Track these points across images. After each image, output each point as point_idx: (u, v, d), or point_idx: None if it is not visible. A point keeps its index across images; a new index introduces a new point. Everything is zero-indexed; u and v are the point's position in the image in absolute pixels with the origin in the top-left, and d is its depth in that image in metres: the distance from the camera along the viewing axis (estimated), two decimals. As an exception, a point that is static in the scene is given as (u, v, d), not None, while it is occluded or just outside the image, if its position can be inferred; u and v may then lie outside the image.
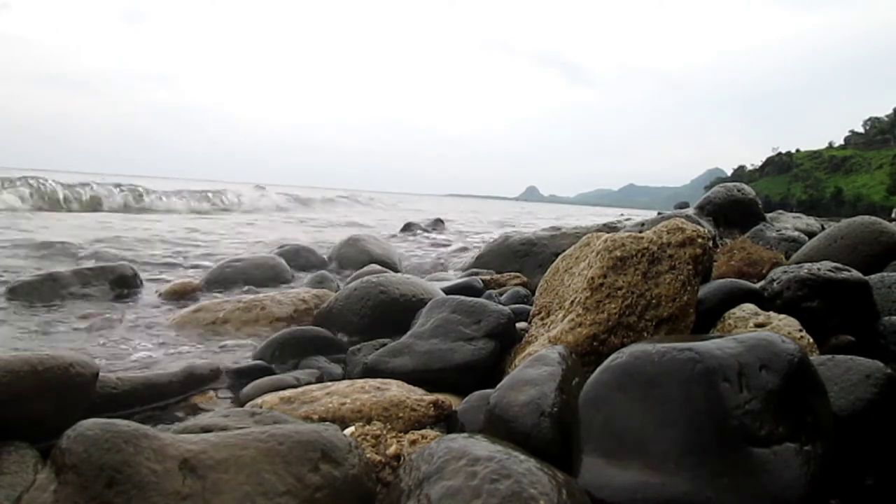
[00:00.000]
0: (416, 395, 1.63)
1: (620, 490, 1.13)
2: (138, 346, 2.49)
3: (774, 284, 2.11)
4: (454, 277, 3.87)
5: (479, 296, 2.81)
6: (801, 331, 1.80)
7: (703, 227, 2.22)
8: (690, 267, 1.84)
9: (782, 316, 1.89)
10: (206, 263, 4.69)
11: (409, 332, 2.24)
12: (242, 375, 2.03)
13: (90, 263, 4.04)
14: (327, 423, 1.33)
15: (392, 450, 1.32)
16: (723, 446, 1.13)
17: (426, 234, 9.58)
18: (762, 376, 1.20)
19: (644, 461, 1.15)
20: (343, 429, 1.32)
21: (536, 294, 2.30)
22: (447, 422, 1.61)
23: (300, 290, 3.22)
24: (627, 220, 5.09)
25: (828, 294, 1.99)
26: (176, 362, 2.14)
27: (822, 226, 4.69)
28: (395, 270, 4.05)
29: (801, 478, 1.10)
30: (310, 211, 16.30)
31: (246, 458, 1.05)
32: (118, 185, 13.32)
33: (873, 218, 3.03)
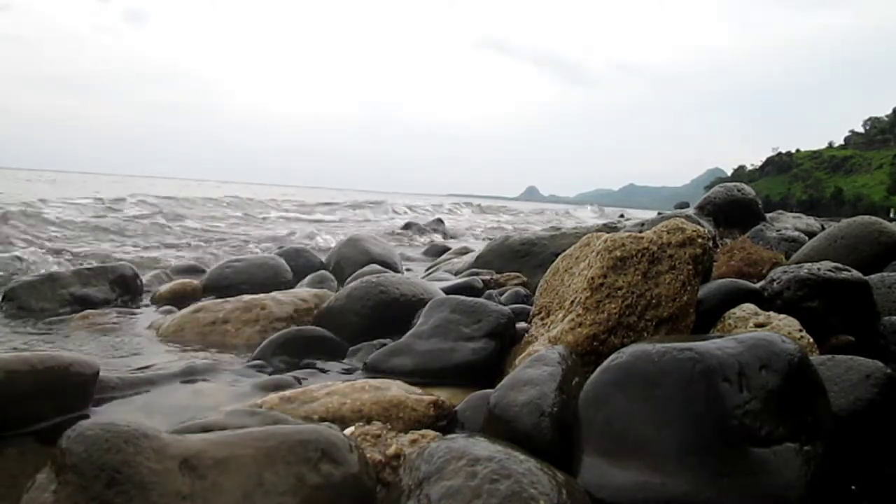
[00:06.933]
0: (415, 395, 1.63)
1: (620, 490, 1.13)
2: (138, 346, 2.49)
3: (774, 284, 2.11)
4: (454, 277, 3.87)
5: (479, 296, 2.81)
6: (801, 331, 1.80)
7: (703, 227, 2.22)
8: (690, 267, 1.84)
9: (782, 316, 1.89)
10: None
11: (409, 332, 2.24)
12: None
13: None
14: (327, 422, 1.33)
15: (392, 450, 1.32)
16: (723, 446, 1.13)
17: (426, 235, 9.59)
18: (762, 376, 1.20)
19: (644, 461, 1.15)
20: (343, 429, 1.32)
21: (536, 294, 2.30)
22: (447, 421, 1.61)
23: (300, 290, 3.22)
24: (627, 220, 5.09)
25: (828, 294, 1.99)
26: (176, 362, 2.15)
27: (822, 226, 4.69)
28: (396, 271, 4.05)
29: (802, 478, 1.11)
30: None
31: (246, 458, 1.05)
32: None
33: (873, 218, 3.03)
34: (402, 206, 19.08)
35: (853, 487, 1.26)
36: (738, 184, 4.57)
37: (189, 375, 1.99)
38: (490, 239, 5.31)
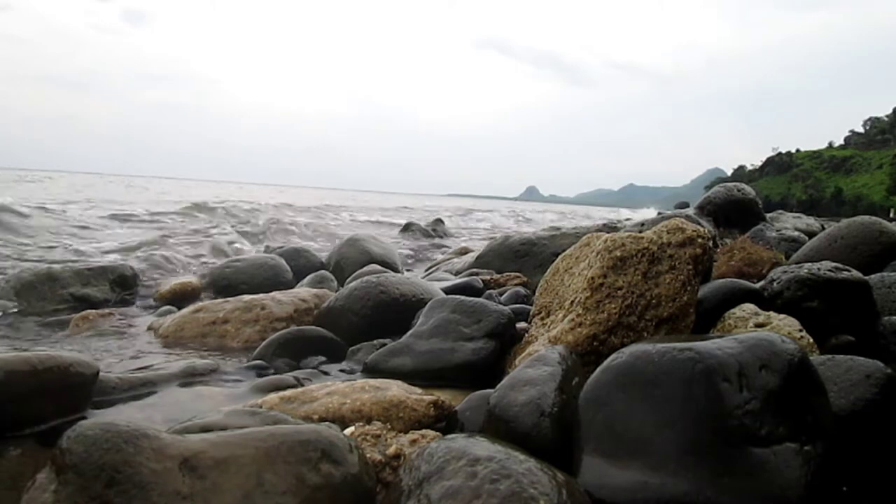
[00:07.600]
0: (415, 395, 1.63)
1: (620, 490, 1.13)
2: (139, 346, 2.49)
3: (774, 284, 2.11)
4: (454, 277, 3.87)
5: (479, 296, 2.81)
6: (801, 331, 1.80)
7: (703, 227, 2.22)
8: (690, 267, 1.84)
9: (782, 316, 1.89)
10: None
11: (409, 332, 2.24)
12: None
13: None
14: (327, 422, 1.33)
15: (392, 450, 1.32)
16: (723, 446, 1.13)
17: (426, 235, 9.58)
18: (762, 376, 1.20)
19: (644, 461, 1.15)
20: (343, 429, 1.32)
21: (536, 294, 2.30)
22: (447, 422, 1.61)
23: (300, 290, 3.22)
24: (627, 219, 5.09)
25: (828, 294, 1.99)
26: (176, 362, 2.15)
27: (822, 226, 4.69)
28: (396, 271, 4.05)
29: (802, 478, 1.10)
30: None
31: (246, 458, 1.05)
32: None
33: (873, 218, 3.04)
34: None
35: (844, 489, 1.26)
36: (738, 184, 4.57)
37: (189, 376, 1.99)
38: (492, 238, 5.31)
